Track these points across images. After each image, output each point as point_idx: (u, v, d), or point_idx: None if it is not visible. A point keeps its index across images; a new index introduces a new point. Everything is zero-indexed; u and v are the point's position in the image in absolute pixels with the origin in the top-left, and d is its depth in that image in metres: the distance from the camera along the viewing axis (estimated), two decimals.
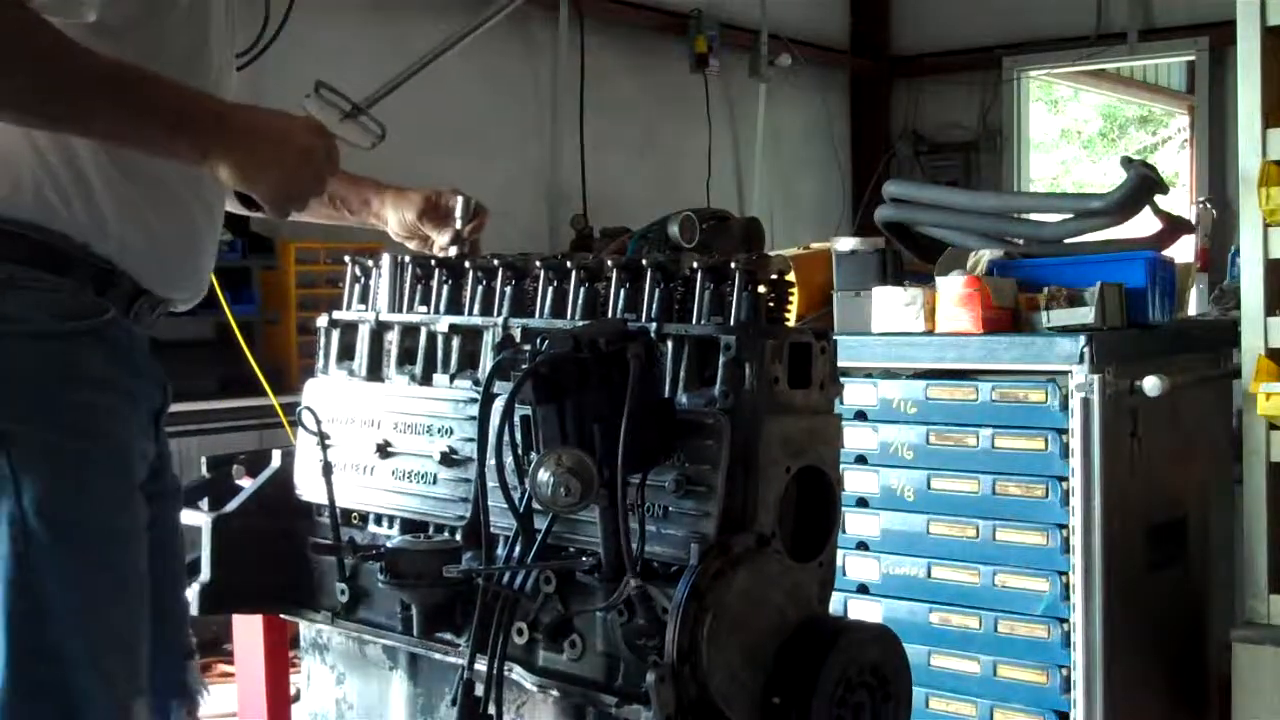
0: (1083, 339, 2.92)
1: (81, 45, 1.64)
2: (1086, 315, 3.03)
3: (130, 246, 1.82)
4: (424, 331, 2.10)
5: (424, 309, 2.12)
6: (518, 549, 1.81)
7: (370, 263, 2.22)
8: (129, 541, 1.79)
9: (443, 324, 2.07)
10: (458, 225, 2.17)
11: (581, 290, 1.96)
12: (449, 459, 1.99)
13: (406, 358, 2.12)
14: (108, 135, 1.73)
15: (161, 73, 1.72)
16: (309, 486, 2.15)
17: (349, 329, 2.20)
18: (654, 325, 1.82)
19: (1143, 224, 3.47)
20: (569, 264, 1.98)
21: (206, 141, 1.73)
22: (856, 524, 3.20)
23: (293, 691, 3.14)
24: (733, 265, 1.80)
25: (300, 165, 1.79)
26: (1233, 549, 3.37)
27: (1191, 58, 8.69)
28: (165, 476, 1.99)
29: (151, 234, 1.85)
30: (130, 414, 1.82)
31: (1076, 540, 2.93)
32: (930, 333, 3.14)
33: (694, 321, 1.82)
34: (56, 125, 1.70)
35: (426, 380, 2.08)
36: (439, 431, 2.02)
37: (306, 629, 2.24)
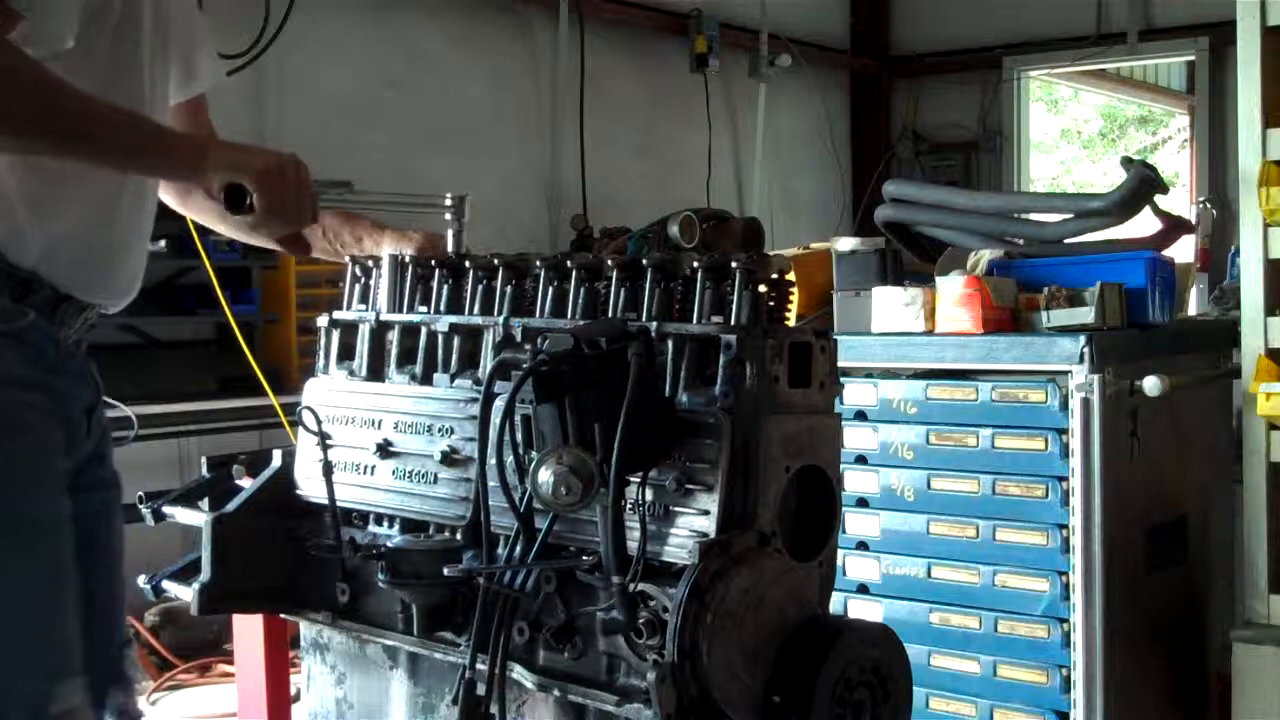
0: (1083, 339, 2.92)
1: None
2: (1086, 315, 3.03)
3: (49, 256, 1.90)
4: (424, 331, 2.10)
5: (424, 309, 2.12)
6: (518, 548, 1.81)
7: (370, 263, 2.22)
8: (51, 532, 1.87)
9: (443, 324, 2.07)
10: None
11: (582, 290, 1.96)
12: (449, 458, 1.99)
13: (407, 357, 2.12)
14: (104, 159, 1.85)
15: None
16: (309, 486, 2.15)
17: (349, 329, 2.20)
18: (654, 325, 1.82)
19: (1143, 224, 3.47)
20: (569, 264, 1.98)
21: (199, 150, 1.86)
22: (856, 524, 3.20)
23: (293, 691, 3.14)
24: (733, 265, 1.81)
25: (288, 164, 1.89)
26: (1233, 549, 3.37)
27: (1191, 58, 8.69)
28: (103, 468, 2.07)
29: (70, 244, 1.93)
30: (55, 410, 1.90)
31: (1076, 540, 2.93)
32: (930, 333, 3.14)
33: (694, 321, 1.83)
34: (57, 151, 1.82)
35: (427, 380, 2.08)
36: (439, 431, 2.02)
37: (307, 629, 2.24)
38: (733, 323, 1.78)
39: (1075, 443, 2.92)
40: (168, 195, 2.20)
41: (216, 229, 2.20)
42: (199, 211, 2.21)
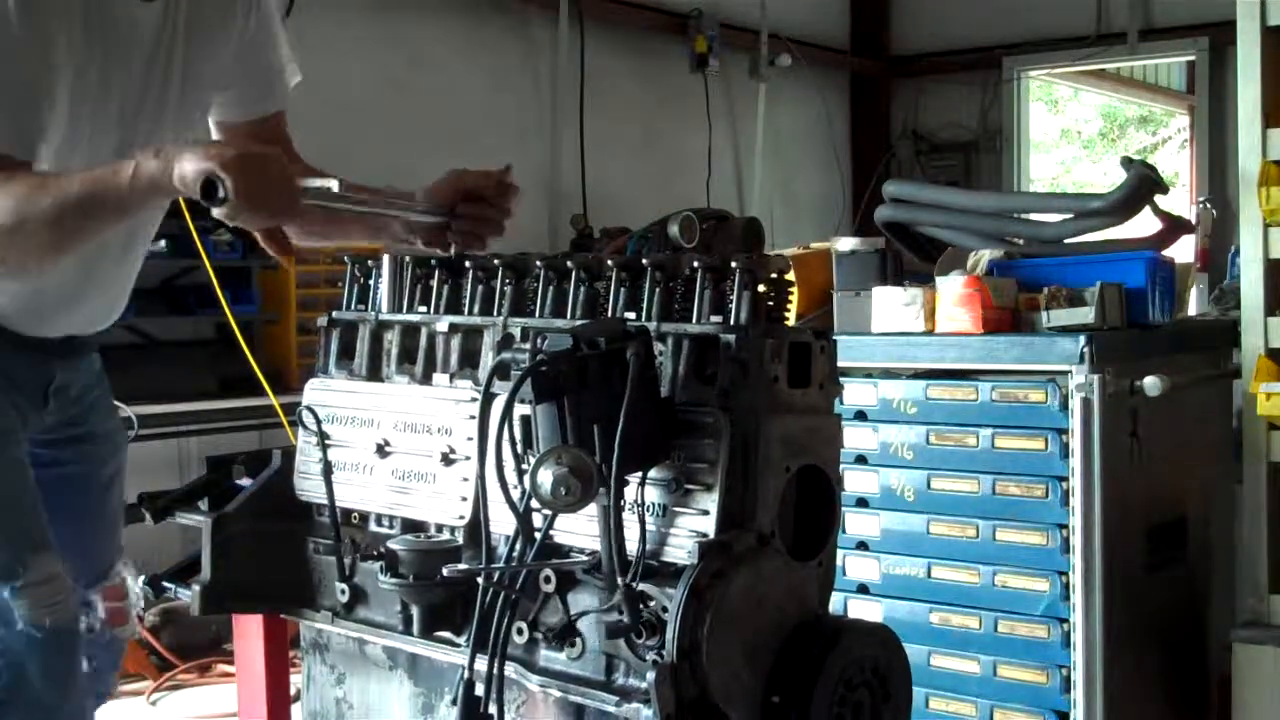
0: (1083, 339, 2.92)
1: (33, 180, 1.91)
2: (1086, 315, 3.03)
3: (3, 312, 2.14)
4: (424, 331, 2.10)
5: (424, 309, 2.12)
6: (518, 548, 1.81)
7: (370, 262, 2.22)
8: (8, 436, 2.14)
9: (443, 324, 2.07)
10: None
11: (581, 290, 1.96)
12: (449, 459, 1.99)
13: (406, 357, 2.12)
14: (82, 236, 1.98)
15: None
16: (309, 486, 2.15)
17: (349, 329, 2.20)
18: (654, 324, 1.82)
19: (1143, 224, 3.47)
20: (569, 263, 1.98)
21: (155, 162, 1.86)
22: (856, 524, 3.20)
23: (293, 691, 3.14)
24: (733, 265, 1.80)
25: (269, 157, 1.87)
26: (1233, 549, 3.37)
27: (1191, 58, 8.68)
28: (84, 425, 2.34)
29: (14, 303, 2.14)
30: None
31: (1076, 540, 2.93)
32: (930, 333, 3.14)
33: (694, 321, 1.83)
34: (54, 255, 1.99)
35: (426, 380, 2.08)
36: (439, 431, 2.02)
37: (306, 629, 2.24)
38: (732, 323, 1.78)
39: (1075, 443, 2.92)
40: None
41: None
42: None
